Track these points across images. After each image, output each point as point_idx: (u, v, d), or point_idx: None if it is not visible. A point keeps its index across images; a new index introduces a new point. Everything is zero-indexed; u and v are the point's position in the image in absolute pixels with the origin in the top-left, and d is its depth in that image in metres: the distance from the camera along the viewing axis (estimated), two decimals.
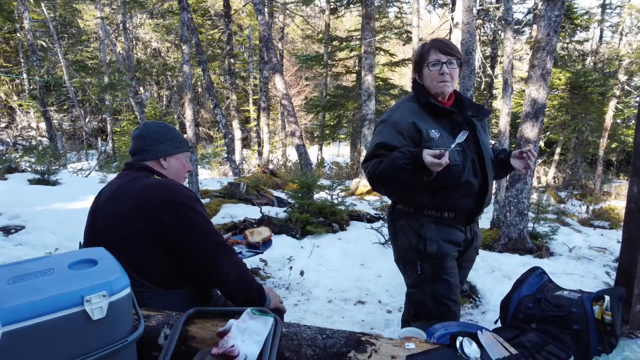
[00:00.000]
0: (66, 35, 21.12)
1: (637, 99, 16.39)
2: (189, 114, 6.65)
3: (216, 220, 5.85)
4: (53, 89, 18.23)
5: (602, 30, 19.15)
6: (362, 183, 10.41)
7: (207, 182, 9.90)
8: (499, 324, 2.26)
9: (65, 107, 19.90)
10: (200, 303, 1.88)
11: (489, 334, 1.61)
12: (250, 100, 20.18)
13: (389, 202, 2.29)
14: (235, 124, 16.22)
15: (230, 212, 5.97)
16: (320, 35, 18.90)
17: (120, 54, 19.56)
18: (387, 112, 2.14)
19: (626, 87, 15.42)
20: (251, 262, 4.39)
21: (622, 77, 14.95)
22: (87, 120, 20.04)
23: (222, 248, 1.77)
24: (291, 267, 4.23)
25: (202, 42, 17.89)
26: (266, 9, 14.51)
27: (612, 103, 14.99)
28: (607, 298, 2.00)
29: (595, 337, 1.97)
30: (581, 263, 5.17)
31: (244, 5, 18.25)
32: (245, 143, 21.35)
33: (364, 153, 10.78)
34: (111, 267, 1.35)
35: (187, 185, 6.69)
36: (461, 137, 1.89)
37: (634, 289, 2.40)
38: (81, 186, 7.62)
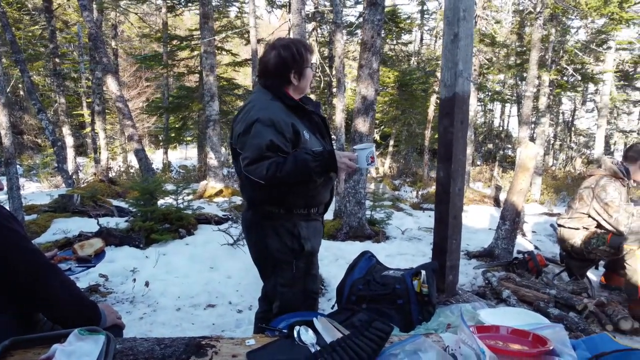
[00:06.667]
0: None
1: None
2: (3, 120, 5.86)
3: (46, 237, 5.27)
4: None
5: (422, 34, 21.42)
6: (210, 185, 10.22)
7: (34, 197, 8.85)
8: (336, 308, 2.43)
9: None
10: (22, 331, 1.69)
11: (324, 319, 1.70)
12: (84, 104, 18.47)
13: (238, 202, 2.29)
14: (66, 130, 14.70)
15: (63, 227, 5.43)
16: (159, 34, 18.04)
17: None
18: (255, 111, 2.03)
19: None
20: (89, 278, 4.06)
21: (440, 75, 16.90)
22: None
23: (45, 267, 1.61)
24: (135, 279, 4.00)
25: (20, 39, 15.86)
26: (95, 5, 13.38)
27: (433, 98, 16.84)
28: (423, 272, 2.27)
29: (416, 309, 2.22)
30: (412, 243, 5.76)
31: (68, 0, 16.62)
32: (81, 150, 19.51)
33: (211, 154, 10.59)
34: None
35: (7, 202, 5.91)
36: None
37: (446, 261, 2.76)
38: None
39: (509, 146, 23.72)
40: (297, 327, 1.59)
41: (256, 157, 1.94)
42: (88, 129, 17.62)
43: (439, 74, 16.51)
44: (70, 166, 13.52)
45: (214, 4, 13.75)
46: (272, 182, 1.93)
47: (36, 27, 17.95)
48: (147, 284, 3.93)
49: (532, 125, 15.37)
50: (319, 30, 15.38)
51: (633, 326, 3.27)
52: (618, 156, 20.01)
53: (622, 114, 20.88)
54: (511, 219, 4.84)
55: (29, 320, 1.76)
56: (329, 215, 6.63)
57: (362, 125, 5.79)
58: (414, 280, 2.25)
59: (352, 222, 5.86)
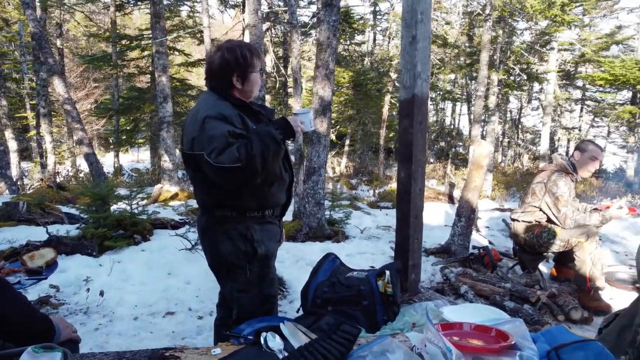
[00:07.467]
0: None
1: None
2: None
3: None
4: None
5: (375, 34, 21.70)
6: (164, 188, 9.97)
7: None
8: (301, 312, 2.42)
9: None
10: None
11: (290, 324, 1.68)
12: (28, 106, 17.65)
13: (195, 205, 2.23)
14: (9, 134, 14.01)
15: (8, 237, 5.14)
16: (107, 34, 17.44)
17: None
18: (203, 110, 2.01)
19: (397, 83, 17.77)
20: (39, 289, 3.86)
21: (393, 75, 17.16)
22: None
23: None
24: (88, 289, 3.85)
25: None
26: (38, 3, 12.79)
27: (387, 98, 17.13)
28: (387, 273, 2.30)
29: (381, 309, 2.24)
30: (371, 242, 5.82)
31: None
32: (26, 155, 18.67)
33: (165, 157, 10.35)
34: None
35: None
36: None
37: (408, 260, 2.80)
38: None
39: (460, 144, 24.42)
40: (263, 334, 1.57)
41: (223, 145, 1.90)
42: (33, 132, 16.87)
43: (392, 74, 16.80)
44: (14, 172, 12.93)
45: (165, 2, 13.43)
46: (249, 163, 1.87)
47: None
48: (101, 294, 3.79)
49: (483, 124, 15.89)
50: (273, 31, 15.30)
51: (583, 315, 3.43)
52: (562, 151, 20.95)
53: (565, 112, 21.88)
54: (466, 216, 4.98)
55: None
56: (288, 217, 6.61)
57: (319, 125, 5.80)
58: (378, 281, 2.27)
59: (311, 223, 5.86)
